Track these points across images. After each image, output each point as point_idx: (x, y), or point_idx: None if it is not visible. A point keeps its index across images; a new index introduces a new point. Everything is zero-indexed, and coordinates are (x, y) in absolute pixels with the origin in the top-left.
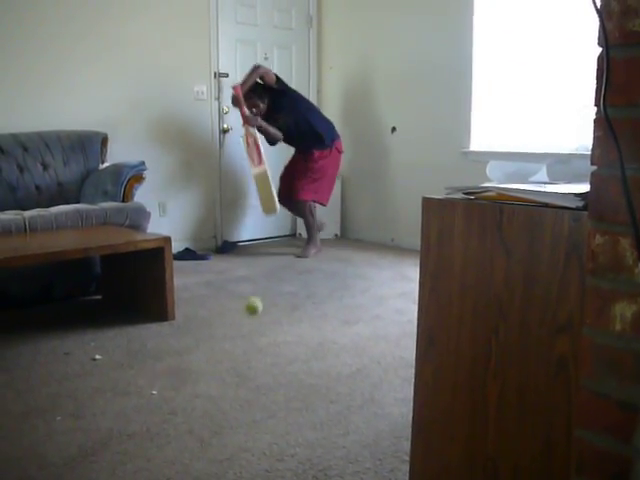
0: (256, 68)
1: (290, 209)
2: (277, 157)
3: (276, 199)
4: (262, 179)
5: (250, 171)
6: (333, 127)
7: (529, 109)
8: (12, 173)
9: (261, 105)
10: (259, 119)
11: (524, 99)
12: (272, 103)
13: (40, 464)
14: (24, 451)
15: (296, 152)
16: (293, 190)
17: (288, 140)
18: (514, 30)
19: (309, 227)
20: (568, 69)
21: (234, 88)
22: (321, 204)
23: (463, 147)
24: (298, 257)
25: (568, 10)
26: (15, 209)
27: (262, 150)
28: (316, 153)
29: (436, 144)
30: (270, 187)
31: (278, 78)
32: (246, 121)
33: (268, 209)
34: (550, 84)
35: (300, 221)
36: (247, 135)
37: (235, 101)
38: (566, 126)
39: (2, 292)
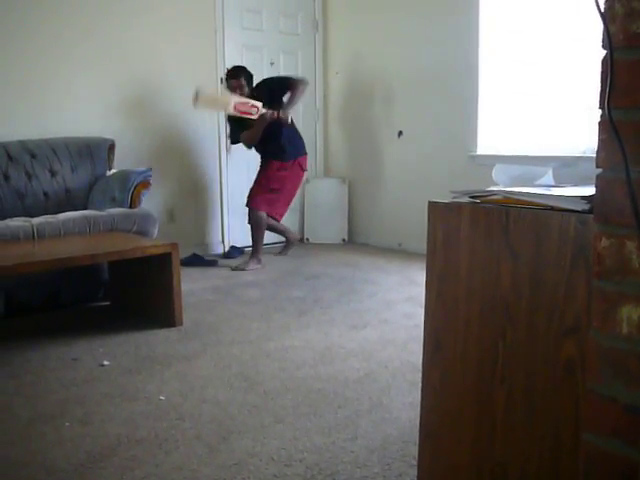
0: (305, 84)
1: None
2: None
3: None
4: (222, 101)
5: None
6: (302, 144)
7: (536, 112)
8: (20, 180)
9: (245, 89)
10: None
11: (531, 102)
12: (263, 94)
13: (49, 470)
14: (32, 457)
15: (260, 163)
16: (248, 197)
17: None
18: (520, 33)
19: (254, 240)
20: (574, 71)
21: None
22: (274, 218)
23: (470, 151)
24: (234, 269)
25: (574, 12)
26: (23, 216)
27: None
28: (275, 163)
29: (443, 148)
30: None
31: None
32: (279, 117)
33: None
34: (557, 87)
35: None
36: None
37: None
38: (574, 128)
39: (10, 298)
